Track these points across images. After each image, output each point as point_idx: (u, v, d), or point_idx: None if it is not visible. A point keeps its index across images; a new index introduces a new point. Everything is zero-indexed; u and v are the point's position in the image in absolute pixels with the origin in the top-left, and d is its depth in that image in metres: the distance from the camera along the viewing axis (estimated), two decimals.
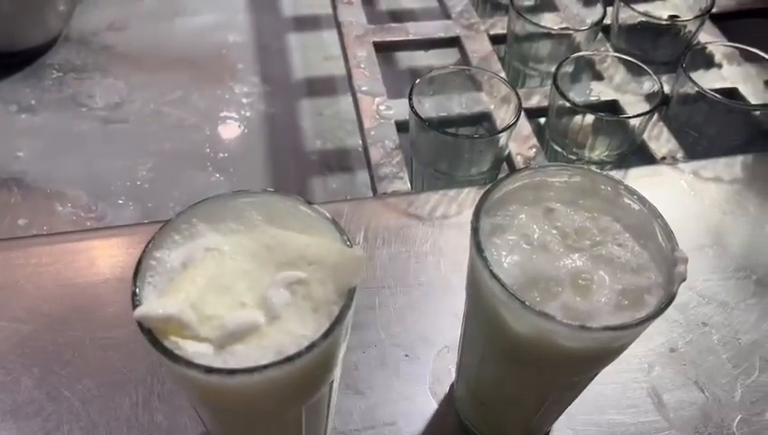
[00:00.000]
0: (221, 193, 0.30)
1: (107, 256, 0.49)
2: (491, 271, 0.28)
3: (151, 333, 0.26)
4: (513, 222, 0.32)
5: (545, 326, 0.27)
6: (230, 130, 0.75)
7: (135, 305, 0.26)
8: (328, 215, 0.30)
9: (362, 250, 0.28)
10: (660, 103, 0.55)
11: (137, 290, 0.27)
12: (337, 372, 0.31)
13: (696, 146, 0.60)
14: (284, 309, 0.27)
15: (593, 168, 0.32)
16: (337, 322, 0.26)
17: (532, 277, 0.30)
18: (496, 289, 0.28)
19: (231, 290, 0.28)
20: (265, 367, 0.25)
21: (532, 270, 0.30)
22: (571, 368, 0.31)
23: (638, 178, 0.56)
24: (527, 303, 0.27)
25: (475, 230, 0.30)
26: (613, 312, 0.29)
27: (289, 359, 0.25)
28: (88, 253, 0.49)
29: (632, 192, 0.32)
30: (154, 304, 0.26)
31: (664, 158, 0.58)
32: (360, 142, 0.61)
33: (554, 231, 0.31)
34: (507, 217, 0.32)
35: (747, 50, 0.62)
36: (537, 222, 0.32)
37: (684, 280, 0.28)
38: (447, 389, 0.43)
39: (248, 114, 0.77)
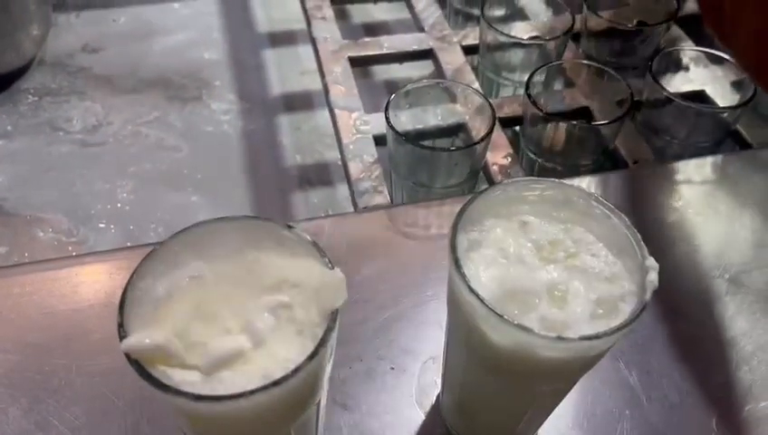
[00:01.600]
0: (203, 220, 0.31)
1: (90, 283, 0.49)
2: (469, 286, 0.29)
3: (139, 364, 0.26)
4: (490, 236, 0.32)
5: (524, 338, 0.28)
6: (209, 149, 0.76)
7: (122, 337, 0.27)
8: (308, 238, 0.30)
9: (342, 273, 0.29)
10: (630, 109, 0.56)
11: (123, 321, 0.27)
12: (323, 392, 0.32)
13: (667, 149, 0.61)
14: (269, 333, 0.28)
15: (566, 181, 0.33)
16: (321, 344, 0.27)
17: (510, 290, 0.30)
18: (475, 304, 0.29)
19: (216, 317, 0.28)
20: (252, 392, 0.25)
21: (510, 283, 0.31)
22: (552, 377, 0.32)
23: (611, 183, 0.57)
24: (505, 316, 0.28)
25: (453, 247, 0.31)
26: (589, 321, 0.30)
27: (275, 383, 0.26)
28: (71, 280, 0.49)
29: (603, 203, 0.33)
30: (140, 336, 0.26)
31: (636, 162, 0.60)
32: (339, 155, 0.62)
33: (529, 244, 0.32)
34: (483, 231, 0.33)
35: (713, 53, 0.63)
36: (513, 235, 0.32)
37: (656, 288, 0.29)
38: (434, 399, 0.43)
39: (227, 132, 0.78)
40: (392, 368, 0.45)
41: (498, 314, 0.28)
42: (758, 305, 0.49)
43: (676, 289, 0.50)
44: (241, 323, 0.28)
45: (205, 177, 0.72)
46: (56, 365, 0.44)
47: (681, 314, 0.49)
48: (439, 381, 0.43)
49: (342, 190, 0.72)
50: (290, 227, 0.31)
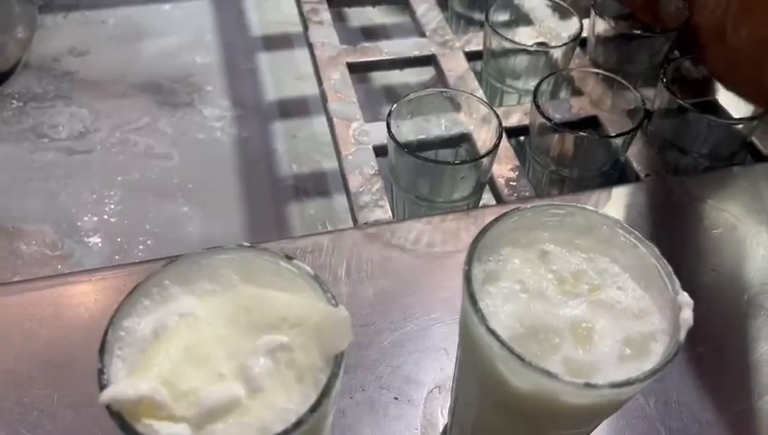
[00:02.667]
0: (193, 251, 0.28)
1: (74, 305, 0.46)
2: (487, 326, 0.26)
3: (121, 418, 0.23)
4: (507, 267, 0.30)
5: (547, 384, 0.26)
6: (201, 157, 0.73)
7: (102, 386, 0.24)
8: (310, 271, 0.28)
9: (346, 310, 0.26)
10: (644, 119, 0.54)
11: (103, 368, 0.25)
12: None
13: (680, 161, 0.59)
14: (266, 379, 0.25)
15: (579, 205, 0.31)
16: (325, 393, 0.24)
17: (531, 328, 0.28)
18: (494, 344, 0.26)
19: (208, 360, 0.26)
20: None
21: (530, 321, 0.28)
22: (574, 421, 0.29)
23: (622, 197, 0.55)
24: (528, 359, 0.25)
25: (468, 280, 0.28)
26: (617, 363, 0.27)
27: None
28: (53, 301, 0.46)
29: (629, 230, 0.30)
30: (123, 385, 0.24)
31: (648, 175, 0.57)
32: (337, 165, 0.59)
33: (550, 275, 0.30)
34: (500, 261, 0.30)
35: None
36: (532, 266, 0.30)
37: (690, 326, 0.27)
38: (440, 432, 0.41)
39: (219, 139, 0.75)
40: (396, 398, 0.42)
41: (521, 358, 0.25)
42: None
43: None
44: (235, 368, 0.25)
45: (196, 186, 0.70)
46: (36, 395, 0.41)
47: (699, 338, 0.46)
48: (446, 412, 0.41)
49: (340, 201, 0.69)
50: (289, 258, 0.28)
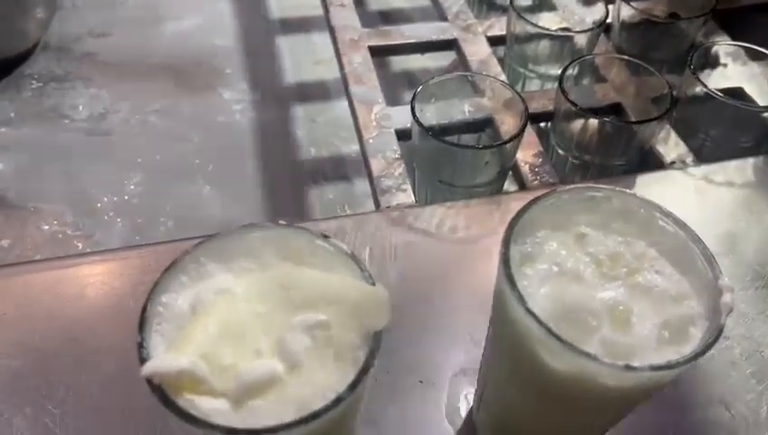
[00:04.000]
0: (231, 228, 0.28)
1: (99, 284, 0.46)
2: (526, 307, 0.26)
3: (163, 391, 0.23)
4: (544, 249, 0.30)
5: (586, 366, 0.25)
6: (220, 140, 0.73)
7: (142, 359, 0.24)
8: (347, 249, 0.28)
9: (385, 290, 0.26)
10: (671, 106, 0.53)
11: (143, 341, 0.25)
12: (360, 417, 0.29)
13: (705, 149, 0.58)
14: (304, 356, 0.25)
15: (617, 188, 0.30)
16: (364, 370, 0.24)
17: (568, 311, 0.28)
18: (532, 326, 0.26)
19: (245, 336, 0.26)
20: (289, 426, 0.23)
21: (568, 303, 0.28)
22: (611, 404, 0.29)
23: (647, 184, 0.54)
24: (567, 341, 0.25)
25: (506, 261, 0.28)
26: (656, 346, 0.27)
27: (314, 415, 0.23)
28: (78, 280, 0.46)
29: (667, 214, 0.30)
30: (164, 359, 0.24)
31: (673, 162, 0.57)
32: (357, 149, 0.59)
33: (587, 258, 0.29)
34: (536, 244, 0.30)
35: (752, 48, 0.60)
36: (568, 249, 0.30)
37: (731, 311, 0.27)
38: (465, 415, 0.41)
39: (239, 122, 0.75)
40: (420, 381, 0.42)
41: (560, 339, 0.25)
42: None
43: None
44: (273, 345, 0.25)
45: (216, 168, 0.69)
46: (63, 373, 0.41)
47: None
48: (470, 396, 0.41)
49: (360, 186, 0.69)
50: (326, 236, 0.28)
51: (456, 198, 0.53)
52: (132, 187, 0.67)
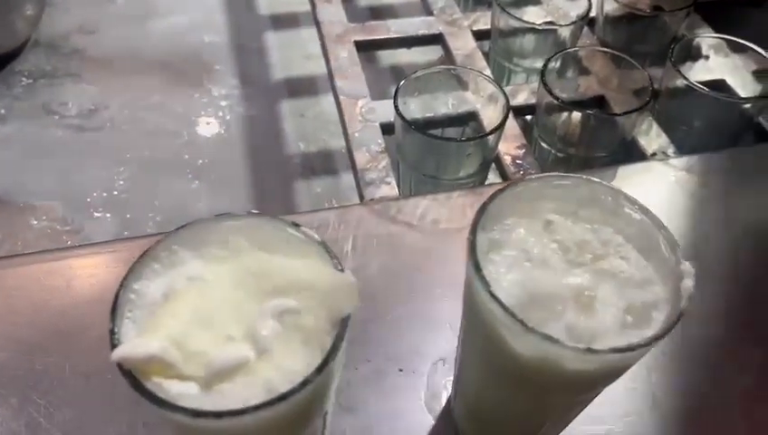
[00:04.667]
0: (203, 217, 0.29)
1: (85, 276, 0.47)
2: (490, 292, 0.27)
3: (132, 375, 0.24)
4: (511, 236, 0.30)
5: (549, 349, 0.26)
6: (209, 135, 0.73)
7: (113, 345, 0.25)
8: (317, 237, 0.28)
9: (353, 276, 0.26)
10: (651, 99, 0.54)
11: (114, 328, 0.25)
12: (331, 403, 0.30)
13: (687, 141, 0.59)
14: (274, 342, 0.26)
15: (584, 176, 0.31)
16: (330, 355, 0.25)
17: (534, 296, 0.28)
18: (497, 310, 0.27)
19: (216, 323, 0.26)
20: (256, 408, 0.23)
21: (534, 288, 0.28)
22: (576, 388, 0.30)
23: (628, 176, 0.55)
24: (530, 325, 0.26)
25: (473, 248, 0.28)
26: (619, 331, 0.27)
27: (281, 397, 0.23)
28: (65, 273, 0.47)
29: (633, 201, 0.30)
30: (134, 344, 0.24)
31: (654, 154, 0.57)
32: (344, 143, 0.59)
33: (554, 245, 0.30)
34: (505, 231, 0.30)
35: (733, 40, 0.61)
36: (536, 236, 0.30)
37: (691, 295, 0.27)
38: (444, 403, 0.41)
39: (227, 117, 0.75)
40: (401, 369, 0.43)
41: (523, 323, 0.26)
42: None
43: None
44: (244, 330, 0.26)
45: (205, 163, 0.70)
46: (48, 364, 0.42)
47: (702, 321, 0.46)
48: (450, 384, 0.41)
49: (347, 180, 0.69)
50: (296, 225, 0.28)
51: (440, 191, 0.53)
52: (122, 182, 0.68)
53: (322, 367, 0.24)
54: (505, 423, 0.35)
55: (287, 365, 0.25)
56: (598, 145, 0.57)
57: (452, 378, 0.41)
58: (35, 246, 0.62)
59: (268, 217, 0.29)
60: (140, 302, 0.27)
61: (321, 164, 0.71)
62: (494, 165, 0.58)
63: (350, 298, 0.26)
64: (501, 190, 0.30)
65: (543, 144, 0.59)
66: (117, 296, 0.26)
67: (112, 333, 0.25)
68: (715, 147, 0.57)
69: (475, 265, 0.28)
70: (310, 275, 0.27)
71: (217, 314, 0.26)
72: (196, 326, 0.26)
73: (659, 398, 0.42)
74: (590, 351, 0.25)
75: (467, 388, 0.36)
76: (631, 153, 0.59)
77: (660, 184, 0.55)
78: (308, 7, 0.73)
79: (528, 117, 0.65)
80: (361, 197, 0.54)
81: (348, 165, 0.64)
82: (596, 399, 0.33)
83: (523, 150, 0.57)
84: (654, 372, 0.43)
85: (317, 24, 0.69)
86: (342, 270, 0.27)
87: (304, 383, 0.24)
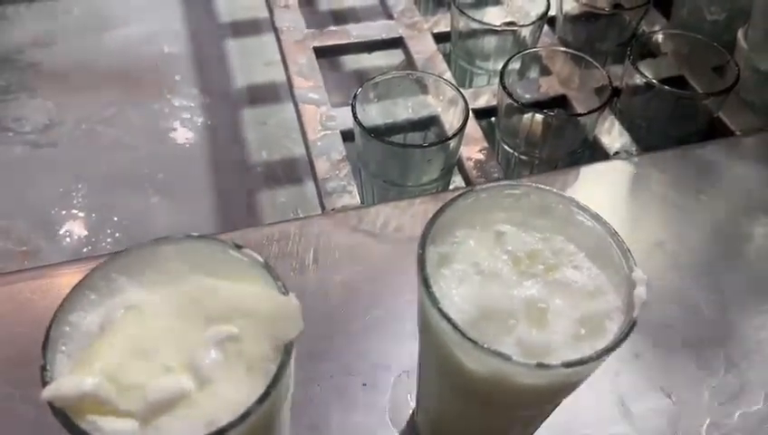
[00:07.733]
0: (141, 242, 0.27)
1: (38, 300, 0.45)
2: (440, 309, 0.26)
3: (64, 415, 0.23)
4: (461, 249, 0.29)
5: (501, 366, 0.25)
6: (169, 147, 0.72)
7: (44, 383, 0.23)
8: (260, 259, 0.27)
9: (296, 299, 0.26)
10: (611, 97, 0.54)
11: (46, 364, 0.24)
12: (286, 426, 0.29)
13: (648, 138, 0.59)
14: (215, 371, 0.25)
15: (535, 185, 0.30)
16: (273, 383, 0.24)
17: (485, 311, 0.28)
18: (447, 328, 0.26)
19: (155, 353, 0.25)
20: None
21: (485, 303, 0.28)
22: (532, 402, 0.29)
23: (591, 175, 0.55)
24: (481, 341, 0.25)
25: (422, 263, 0.28)
26: (572, 343, 0.27)
27: (220, 432, 0.22)
28: (15, 297, 0.45)
29: (585, 209, 0.30)
30: (65, 381, 0.23)
31: (617, 152, 0.57)
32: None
33: (505, 256, 0.29)
34: (455, 244, 0.30)
35: (692, 36, 0.61)
36: (487, 247, 0.30)
37: (643, 302, 0.27)
38: (408, 416, 0.41)
39: (188, 128, 0.74)
40: (364, 384, 0.42)
41: (472, 341, 0.25)
42: (740, 304, 0.47)
43: (656, 289, 0.47)
44: (184, 361, 0.25)
45: (165, 177, 0.69)
46: None
47: (668, 315, 0.46)
48: (413, 396, 0.41)
49: (311, 188, 0.68)
50: (239, 246, 0.27)
51: (402, 198, 0.52)
52: (80, 199, 0.66)
53: (264, 397, 0.23)
54: None
55: (229, 396, 0.24)
56: (560, 145, 0.56)
57: (415, 391, 0.41)
58: None
59: (209, 240, 0.28)
60: (76, 335, 0.26)
61: (285, 173, 0.70)
62: (457, 169, 0.57)
63: (294, 322, 0.25)
64: (450, 202, 0.30)
65: (506, 147, 0.59)
66: (48, 330, 0.25)
67: (44, 369, 0.24)
68: (677, 143, 0.57)
69: (425, 281, 0.27)
70: (251, 299, 0.26)
71: (156, 344, 0.25)
72: (133, 358, 0.25)
73: (626, 399, 0.42)
74: (541, 366, 0.25)
75: (429, 402, 0.36)
76: (595, 152, 0.59)
77: (623, 182, 0.55)
78: (267, 13, 0.72)
79: (492, 119, 0.65)
80: (323, 207, 0.53)
81: (311, 173, 0.63)
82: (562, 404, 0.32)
83: (486, 154, 0.56)
84: (622, 372, 0.43)
85: (275, 30, 0.68)
86: (287, 293, 0.26)
87: (246, 415, 0.23)
